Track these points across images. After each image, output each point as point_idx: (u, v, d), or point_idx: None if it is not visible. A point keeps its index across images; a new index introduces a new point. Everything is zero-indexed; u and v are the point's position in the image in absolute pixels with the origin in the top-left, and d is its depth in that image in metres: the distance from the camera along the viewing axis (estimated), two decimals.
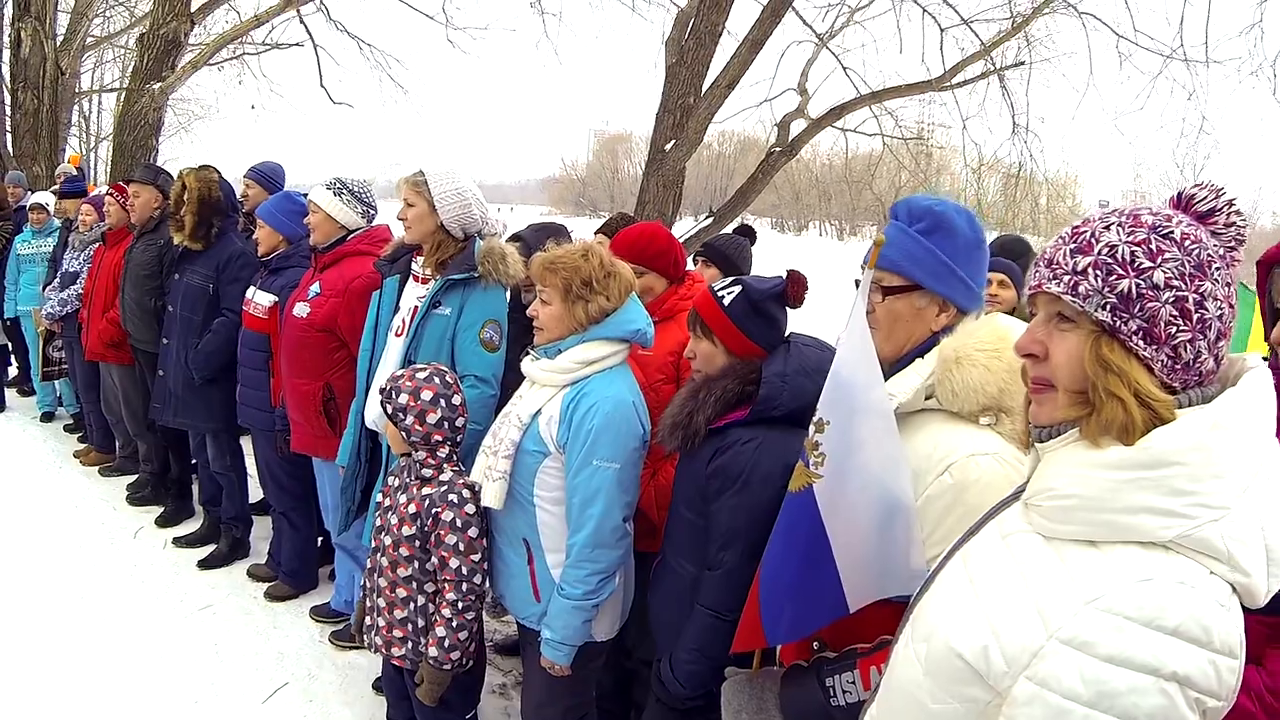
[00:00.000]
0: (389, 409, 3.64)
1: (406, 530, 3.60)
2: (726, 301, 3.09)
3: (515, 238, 4.98)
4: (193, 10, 14.56)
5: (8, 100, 16.67)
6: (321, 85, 19.64)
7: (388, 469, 4.27)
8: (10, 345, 10.59)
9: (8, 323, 9.94)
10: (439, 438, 3.64)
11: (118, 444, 8.21)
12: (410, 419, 3.60)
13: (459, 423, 3.68)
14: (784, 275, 3.16)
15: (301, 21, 18.51)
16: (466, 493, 3.59)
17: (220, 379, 6.08)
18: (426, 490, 3.62)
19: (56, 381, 9.60)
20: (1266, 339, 2.99)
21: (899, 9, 15.37)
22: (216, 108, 34.07)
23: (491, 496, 3.45)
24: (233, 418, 6.05)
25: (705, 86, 11.66)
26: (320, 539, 6.13)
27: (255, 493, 6.71)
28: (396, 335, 4.37)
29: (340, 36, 19.75)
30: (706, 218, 13.41)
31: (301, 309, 5.03)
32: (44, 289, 8.66)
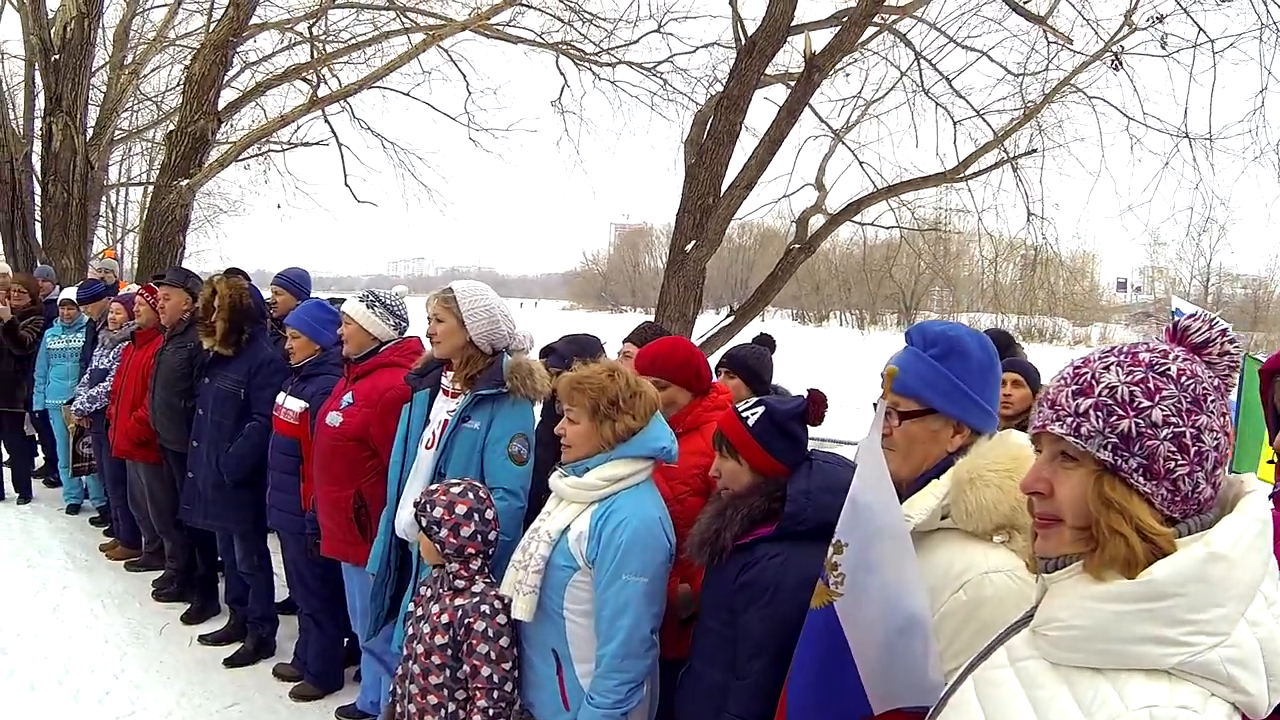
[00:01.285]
0: (423, 521, 3.77)
1: (439, 639, 3.70)
2: (751, 422, 3.24)
3: (548, 350, 5.13)
4: (220, 109, 14.86)
5: (38, 193, 16.92)
6: (346, 184, 20.06)
7: (418, 578, 4.37)
8: (38, 437, 10.75)
9: (37, 415, 10.10)
10: (472, 550, 3.76)
11: (144, 539, 8.31)
12: (444, 532, 3.73)
13: (491, 536, 3.81)
14: (805, 395, 3.30)
15: (326, 121, 18.94)
16: (498, 604, 3.70)
17: (250, 482, 6.22)
18: (459, 601, 3.73)
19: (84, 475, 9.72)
20: (1271, 443, 3.10)
21: (913, 103, 15.60)
22: (243, 204, 34.53)
23: (522, 609, 3.56)
24: (261, 519, 6.20)
25: (724, 186, 11.78)
26: (346, 639, 6.19)
27: (282, 591, 6.81)
28: (427, 448, 4.50)
29: (365, 134, 20.08)
30: (727, 316, 13.47)
31: (334, 418, 5.16)
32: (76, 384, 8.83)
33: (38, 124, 17.51)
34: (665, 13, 17.35)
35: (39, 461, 11.38)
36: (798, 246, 14.44)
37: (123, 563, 8.39)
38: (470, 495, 3.80)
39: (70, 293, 10.07)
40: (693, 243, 11.48)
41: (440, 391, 4.60)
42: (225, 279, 6.53)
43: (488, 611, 3.68)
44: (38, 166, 16.92)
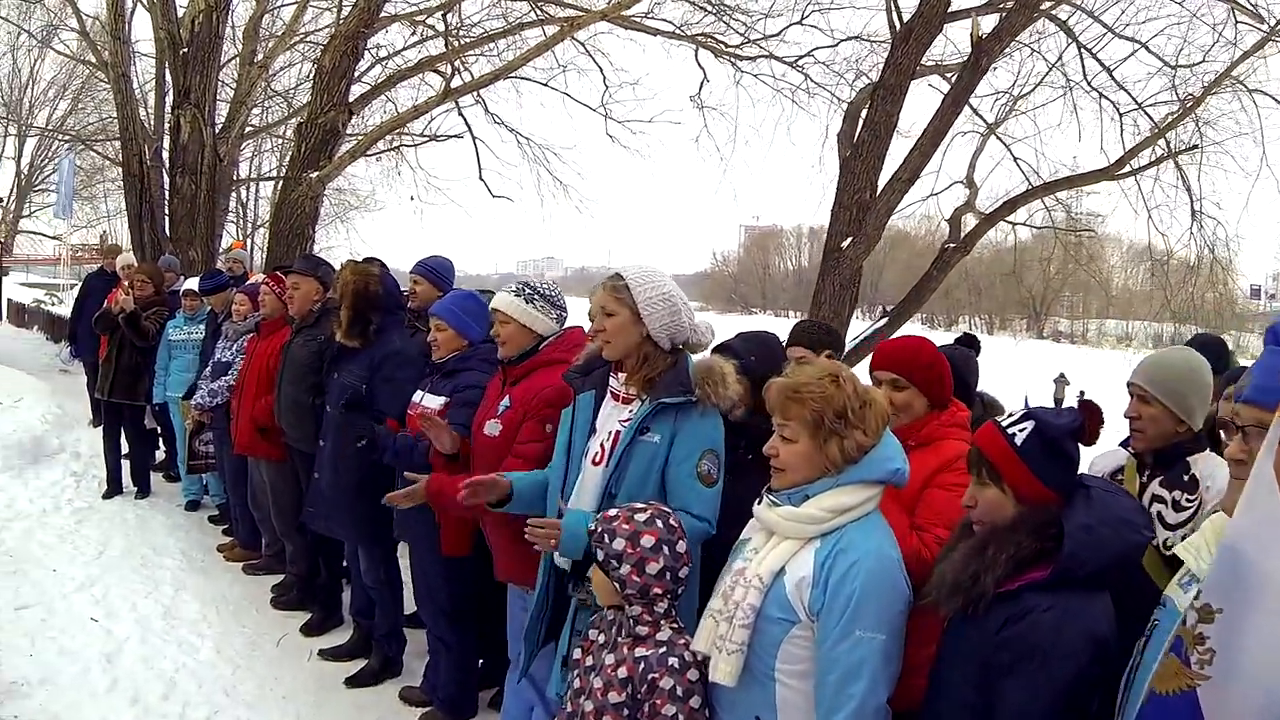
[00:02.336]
0: (600, 554, 3.17)
1: (614, 696, 3.08)
2: (1019, 440, 2.62)
3: (722, 348, 4.41)
4: (351, 101, 14.68)
5: (166, 185, 16.93)
6: (480, 178, 19.99)
7: (578, 614, 3.78)
8: (159, 430, 10.50)
9: (157, 408, 9.82)
10: (658, 590, 3.14)
11: (264, 541, 7.90)
12: (626, 568, 3.12)
13: (682, 573, 3.19)
14: (1077, 406, 2.68)
15: (460, 114, 18.95)
16: (688, 655, 3.07)
17: (376, 489, 5.64)
18: (641, 651, 3.11)
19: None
20: None
21: (1069, 96, 14.90)
22: (374, 198, 34.85)
23: (725, 672, 2.91)
24: (386, 531, 5.66)
25: (880, 180, 11.26)
26: (481, 660, 5.62)
27: (411, 602, 6.24)
28: (594, 463, 3.83)
29: (499, 129, 19.96)
30: (881, 318, 13.04)
31: (493, 427, 4.55)
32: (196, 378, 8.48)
33: (167, 117, 17.54)
34: (809, 4, 16.85)
35: (159, 455, 11.14)
36: (953, 246, 14.10)
37: (240, 565, 7.98)
38: (659, 524, 3.19)
39: (193, 283, 9.77)
40: (849, 239, 10.98)
41: (609, 395, 3.93)
42: (351, 264, 6.07)
43: (676, 665, 3.04)
44: (166, 159, 16.94)
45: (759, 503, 3.09)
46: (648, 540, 3.13)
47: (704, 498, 3.63)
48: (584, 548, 3.41)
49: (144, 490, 9.91)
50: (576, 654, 3.43)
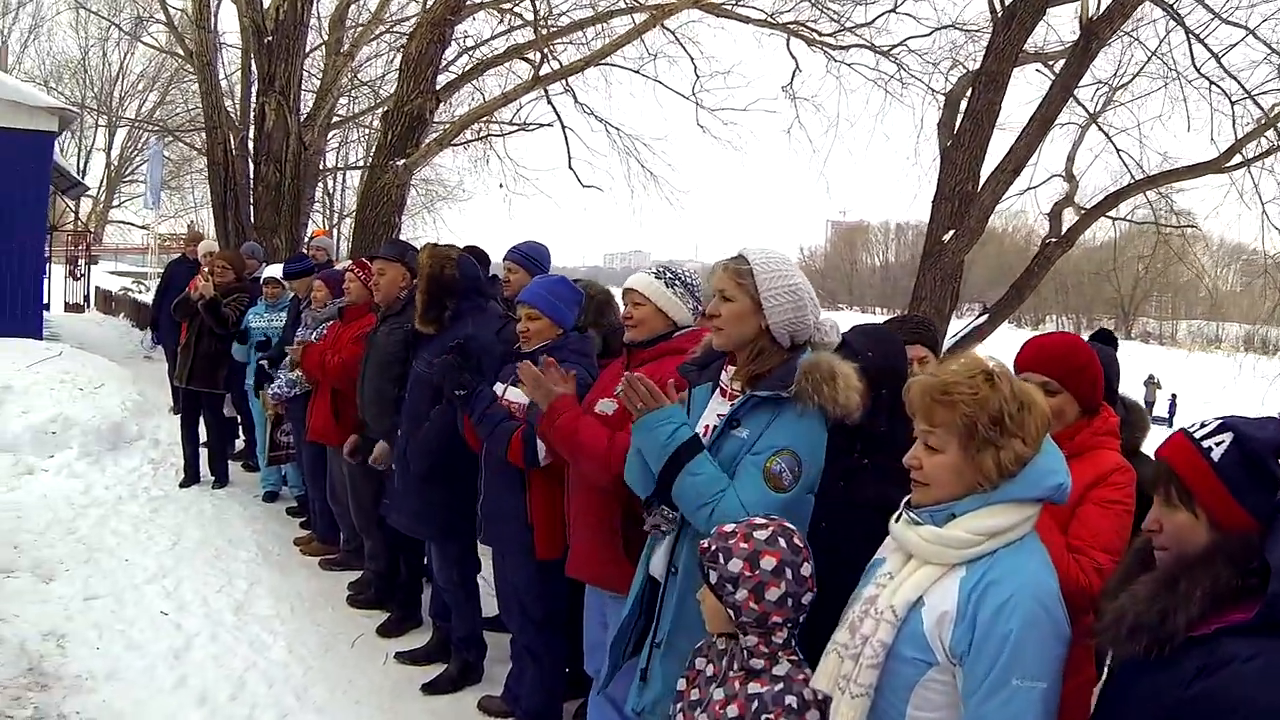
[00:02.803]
0: (713, 575, 2.79)
1: None
2: (1217, 456, 2.17)
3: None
4: (438, 89, 14.54)
5: (251, 173, 16.89)
6: (570, 167, 19.81)
7: (660, 624, 3.41)
8: (239, 419, 10.36)
9: (236, 396, 9.69)
10: (778, 619, 2.76)
11: (342, 536, 7.62)
12: (742, 593, 2.74)
13: (805, 599, 2.80)
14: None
15: (549, 102, 18.70)
16: (808, 694, 2.69)
17: (448, 483, 5.36)
18: (755, 687, 2.73)
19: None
20: None
21: (1180, 86, 14.32)
22: (461, 189, 34.90)
23: (848, 717, 2.51)
24: (462, 527, 5.31)
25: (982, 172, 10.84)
26: (568, 669, 5.23)
27: (490, 604, 5.94)
28: None
29: (589, 119, 19.81)
30: (981, 315, 12.60)
31: (606, 405, 4.19)
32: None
33: (252, 105, 17.52)
34: None
35: (238, 444, 10.99)
36: (1054, 241, 13.65)
37: (318, 560, 7.72)
38: (782, 543, 2.79)
39: (275, 270, 9.59)
40: (951, 232, 10.56)
41: (717, 389, 3.56)
42: (430, 247, 5.78)
43: (794, 706, 2.67)
44: (251, 150, 16.90)
45: (896, 519, 2.68)
46: (768, 562, 2.75)
47: (762, 499, 3.16)
48: (668, 454, 3.23)
49: (221, 480, 9.74)
50: (680, 684, 3.06)
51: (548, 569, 4.70)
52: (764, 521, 2.87)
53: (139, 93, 42.84)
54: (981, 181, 11.05)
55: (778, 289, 3.31)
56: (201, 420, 9.83)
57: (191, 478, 9.65)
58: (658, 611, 3.45)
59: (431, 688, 5.61)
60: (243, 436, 10.92)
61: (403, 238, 14.80)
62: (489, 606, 5.92)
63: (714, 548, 2.81)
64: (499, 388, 4.92)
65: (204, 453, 9.82)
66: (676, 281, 4.18)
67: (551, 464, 4.51)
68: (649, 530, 3.42)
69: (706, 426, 3.42)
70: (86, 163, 45.68)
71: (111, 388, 11.48)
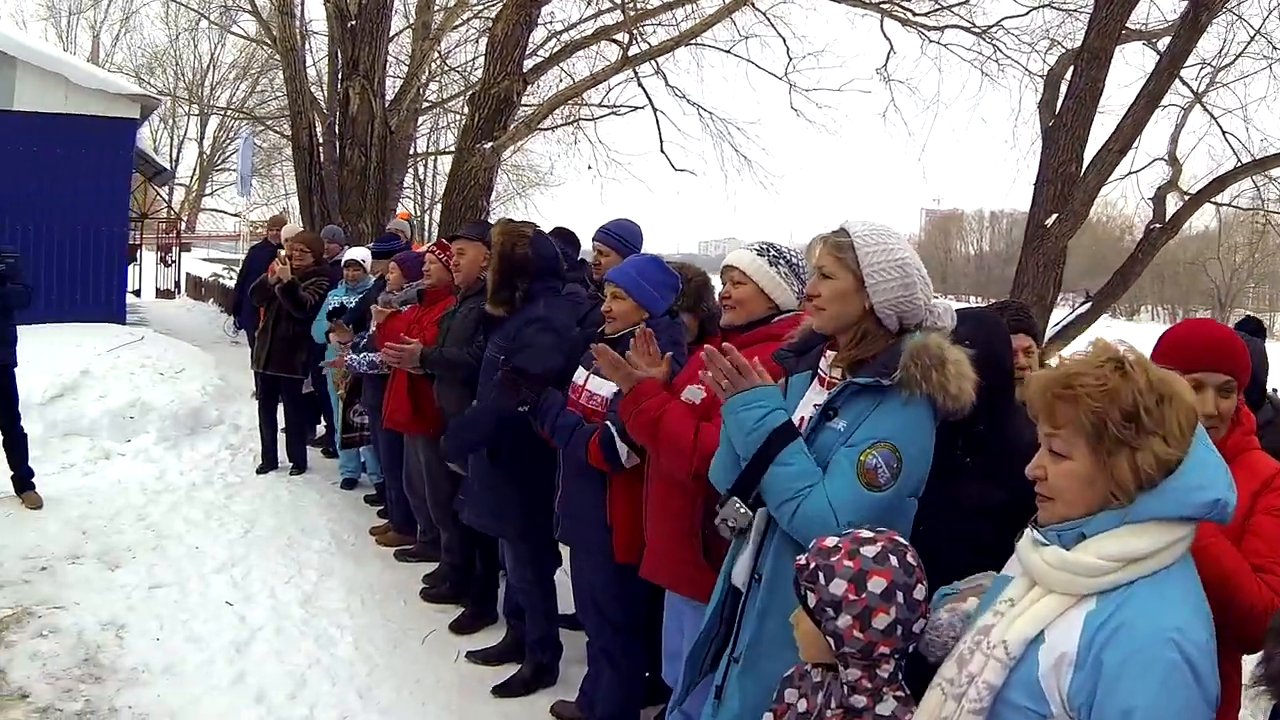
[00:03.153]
0: (811, 598, 2.36)
1: None
2: None
3: None
4: (525, 71, 14.32)
5: (337, 158, 16.81)
6: (662, 151, 19.62)
7: (740, 636, 3.00)
8: (318, 401, 10.20)
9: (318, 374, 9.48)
10: (885, 649, 2.31)
11: (419, 527, 7.32)
12: (846, 619, 2.30)
13: (917, 626, 2.35)
14: None
15: (640, 85, 18.62)
16: None
17: (525, 477, 4.98)
18: None
19: (361, 447, 8.96)
20: None
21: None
22: (552, 173, 34.83)
23: None
24: (535, 525, 4.94)
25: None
26: (647, 674, 4.84)
27: (567, 601, 5.50)
28: None
29: (680, 103, 19.60)
30: (1084, 303, 12.10)
31: (693, 393, 3.80)
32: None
33: (338, 94, 17.44)
34: None
35: (319, 430, 10.79)
36: (1158, 227, 13.12)
37: (393, 551, 7.44)
38: (893, 562, 2.35)
39: (356, 252, 9.36)
40: (1054, 216, 10.03)
41: (816, 378, 3.15)
42: (502, 224, 5.42)
43: None
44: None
45: (1020, 536, 2.24)
46: (877, 584, 2.31)
47: (854, 499, 2.75)
48: (758, 441, 2.85)
49: (299, 466, 9.52)
50: (768, 717, 2.65)
51: (627, 571, 4.29)
52: (870, 534, 2.42)
53: (230, 82, 43.40)
54: (1085, 163, 10.58)
55: (882, 264, 2.90)
56: (280, 405, 9.62)
57: (269, 463, 9.45)
58: (737, 624, 3.04)
59: (503, 689, 5.26)
60: (323, 422, 10.72)
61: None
62: (566, 602, 5.52)
63: (813, 565, 2.37)
64: (579, 375, 4.55)
65: (282, 438, 9.62)
66: (780, 260, 3.76)
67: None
68: (717, 525, 3.00)
69: (802, 418, 3.00)
70: (179, 152, 46.56)
71: (193, 372, 11.38)
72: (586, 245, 6.90)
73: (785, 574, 2.66)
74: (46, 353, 10.25)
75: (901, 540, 2.43)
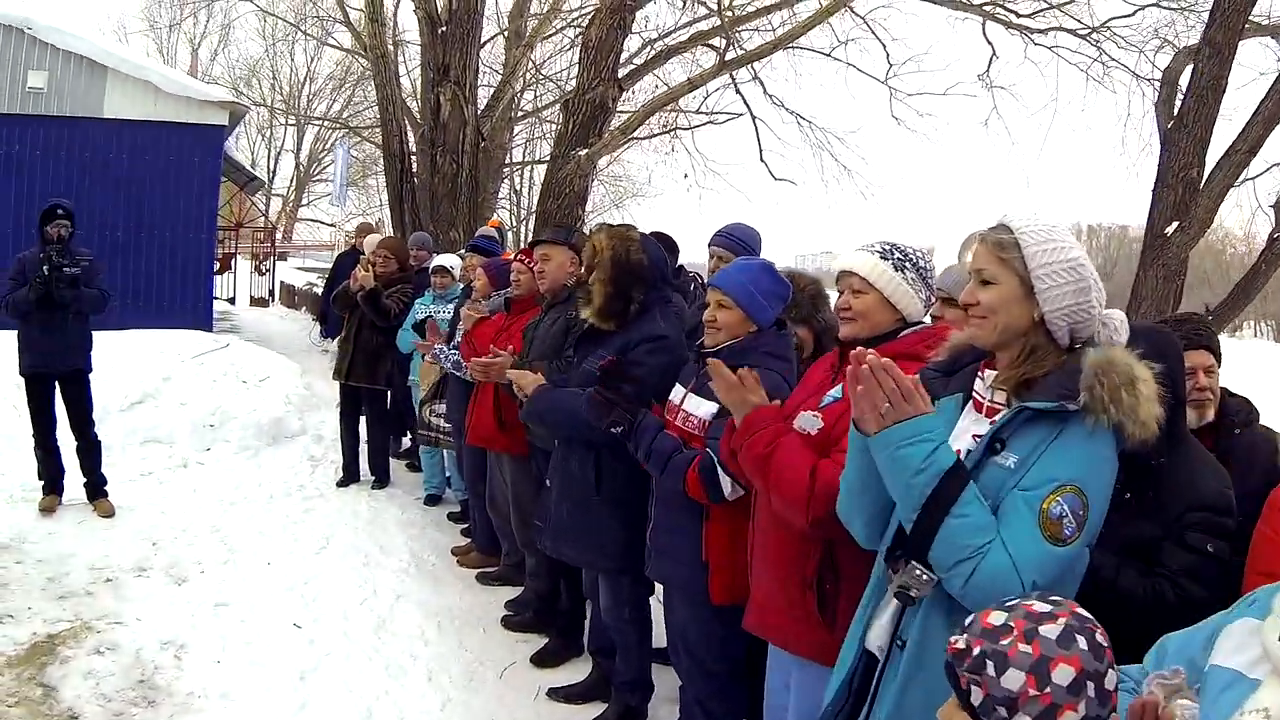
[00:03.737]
0: (975, 693, 1.82)
1: None
2: None
3: None
4: (620, 76, 14.02)
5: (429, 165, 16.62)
6: (761, 159, 19.38)
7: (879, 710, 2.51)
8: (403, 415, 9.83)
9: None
10: None
11: (504, 549, 6.86)
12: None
13: None
14: None
15: (738, 92, 18.42)
16: None
17: (622, 506, 4.52)
18: None
19: (446, 460, 8.59)
20: None
21: None
22: (650, 183, 34.75)
23: None
24: (632, 558, 4.46)
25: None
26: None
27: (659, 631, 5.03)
28: None
29: (779, 111, 19.22)
30: (1206, 316, 11.38)
31: (809, 421, 3.24)
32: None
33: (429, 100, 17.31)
34: None
35: (405, 442, 10.44)
36: None
37: (475, 573, 7.01)
38: (1081, 643, 1.80)
39: (444, 259, 8.97)
40: (1175, 224, 9.37)
41: (969, 401, 2.64)
42: (607, 228, 4.82)
43: None
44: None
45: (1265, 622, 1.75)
46: (1064, 674, 1.76)
47: (1038, 553, 2.26)
48: (926, 487, 2.33)
49: (381, 480, 9.11)
50: None
51: (725, 614, 3.83)
52: (1047, 606, 1.87)
53: (327, 94, 43.96)
54: (1207, 167, 9.93)
55: (1054, 266, 2.42)
56: (363, 417, 9.26)
57: (350, 476, 9.09)
58: (871, 694, 2.54)
59: None
60: (408, 434, 10.35)
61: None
62: (657, 634, 5.02)
63: (977, 650, 1.83)
64: (676, 393, 4.09)
65: (365, 450, 9.26)
66: (907, 264, 3.22)
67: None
68: (894, 595, 2.49)
69: (958, 451, 2.46)
70: (276, 163, 47.27)
71: (277, 381, 11.15)
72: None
73: (936, 639, 2.18)
74: (129, 359, 10.10)
75: (1084, 613, 1.89)
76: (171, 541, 7.05)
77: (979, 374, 2.61)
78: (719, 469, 3.61)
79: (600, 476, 4.56)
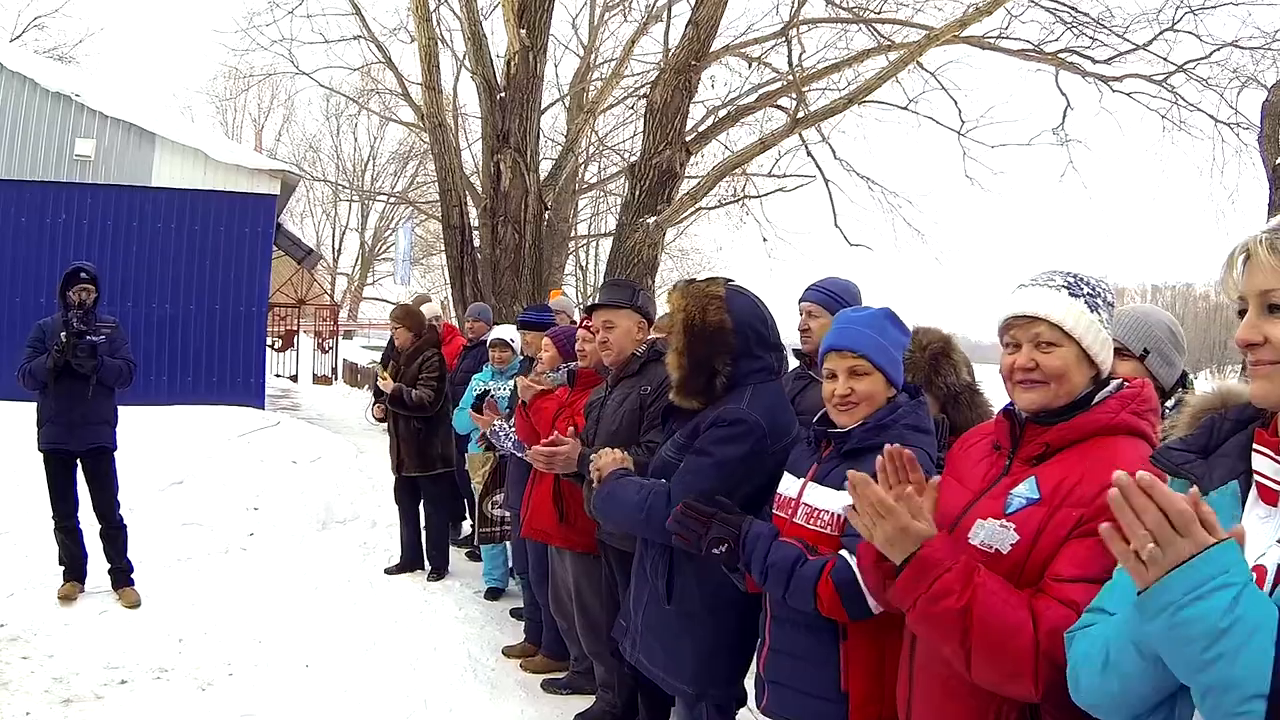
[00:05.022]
0: None
1: None
2: None
3: None
4: (687, 140, 13.50)
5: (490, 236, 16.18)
6: (835, 224, 18.74)
7: None
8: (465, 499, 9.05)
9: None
10: None
11: (572, 654, 6.02)
12: None
13: None
14: None
15: (809, 153, 17.92)
16: None
17: (698, 616, 3.70)
18: None
19: (509, 549, 7.74)
20: None
21: None
22: (719, 253, 34.58)
23: None
24: (717, 681, 3.70)
25: None
26: None
27: None
28: None
29: (850, 176, 18.92)
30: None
31: (997, 534, 2.31)
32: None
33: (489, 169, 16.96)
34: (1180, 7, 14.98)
35: (465, 528, 9.68)
36: None
37: (539, 679, 6.15)
38: None
39: (502, 331, 8.25)
40: None
41: (1252, 490, 1.78)
42: (684, 285, 3.91)
43: None
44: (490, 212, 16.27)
45: None
46: None
47: None
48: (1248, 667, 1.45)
49: (440, 570, 8.39)
50: None
51: None
52: None
53: (390, 172, 44.25)
54: None
55: None
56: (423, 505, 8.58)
57: (406, 565, 8.40)
58: None
59: None
60: (468, 519, 9.60)
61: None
62: None
63: None
64: (790, 485, 3.21)
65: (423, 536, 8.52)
66: (1099, 301, 2.43)
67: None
68: None
69: (1261, 569, 1.64)
70: (342, 242, 47.46)
71: (329, 462, 10.59)
72: None
73: None
74: (171, 436, 9.59)
75: None
76: (200, 638, 6.34)
77: (1259, 450, 1.78)
78: (860, 579, 2.76)
79: (671, 583, 3.74)
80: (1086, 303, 2.40)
